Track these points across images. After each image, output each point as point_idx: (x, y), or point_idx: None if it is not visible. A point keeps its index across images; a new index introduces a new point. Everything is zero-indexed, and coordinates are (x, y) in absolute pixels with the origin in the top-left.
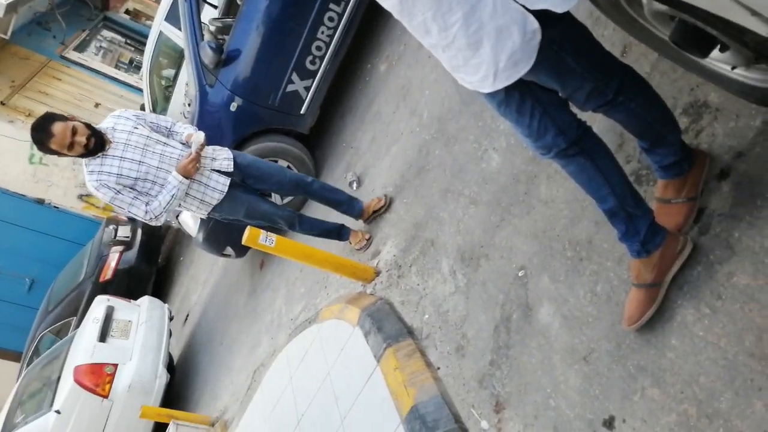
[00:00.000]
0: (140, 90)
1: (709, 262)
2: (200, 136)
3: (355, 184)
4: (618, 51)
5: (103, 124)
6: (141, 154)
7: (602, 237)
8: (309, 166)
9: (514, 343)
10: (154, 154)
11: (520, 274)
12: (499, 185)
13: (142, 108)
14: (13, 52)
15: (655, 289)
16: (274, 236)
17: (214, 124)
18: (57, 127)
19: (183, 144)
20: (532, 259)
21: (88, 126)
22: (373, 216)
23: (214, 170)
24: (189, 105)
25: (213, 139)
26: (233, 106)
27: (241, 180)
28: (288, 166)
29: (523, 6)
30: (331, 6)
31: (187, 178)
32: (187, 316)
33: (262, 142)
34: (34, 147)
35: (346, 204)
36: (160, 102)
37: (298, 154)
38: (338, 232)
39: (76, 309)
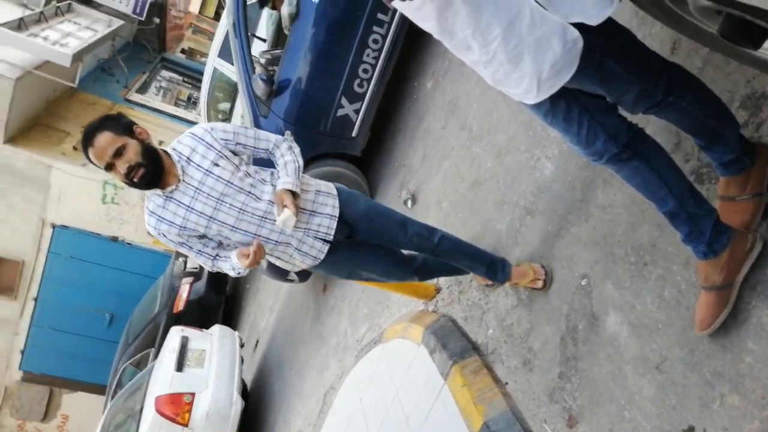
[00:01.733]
0: None
1: None
2: (290, 221)
3: (410, 202)
4: (667, 48)
5: (179, 147)
6: (214, 206)
7: (666, 240)
8: (363, 188)
9: (583, 354)
10: (232, 209)
11: (583, 283)
12: (555, 193)
13: None
14: (81, 99)
15: (727, 291)
16: None
17: None
18: (101, 139)
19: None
20: (594, 266)
21: (148, 151)
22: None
23: (309, 231)
24: None
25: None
26: (287, 135)
27: (347, 236)
28: None
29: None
30: (375, 29)
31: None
32: (257, 342)
33: (316, 168)
34: (106, 187)
35: (488, 263)
36: None
37: (352, 177)
38: (492, 265)
39: (154, 340)
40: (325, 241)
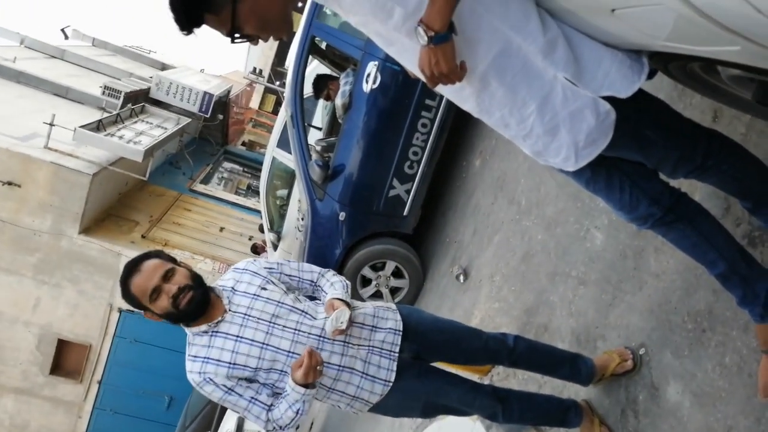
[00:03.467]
0: (258, 211)
1: None
2: (343, 315)
3: (462, 277)
4: (708, 117)
5: (222, 281)
6: (266, 330)
7: (722, 305)
8: (416, 264)
9: (645, 427)
10: (285, 331)
11: (641, 353)
12: (607, 263)
13: (261, 229)
14: (150, 191)
15: None
16: None
17: (326, 235)
18: (150, 264)
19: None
20: (650, 335)
21: (196, 276)
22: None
23: (373, 349)
24: (302, 219)
25: (326, 248)
26: (342, 216)
27: (415, 355)
28: (396, 267)
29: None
30: (423, 113)
31: (310, 386)
32: (312, 424)
33: (370, 246)
34: None
35: (569, 364)
36: (276, 220)
37: (404, 254)
38: (563, 416)
39: (210, 422)
40: (392, 358)
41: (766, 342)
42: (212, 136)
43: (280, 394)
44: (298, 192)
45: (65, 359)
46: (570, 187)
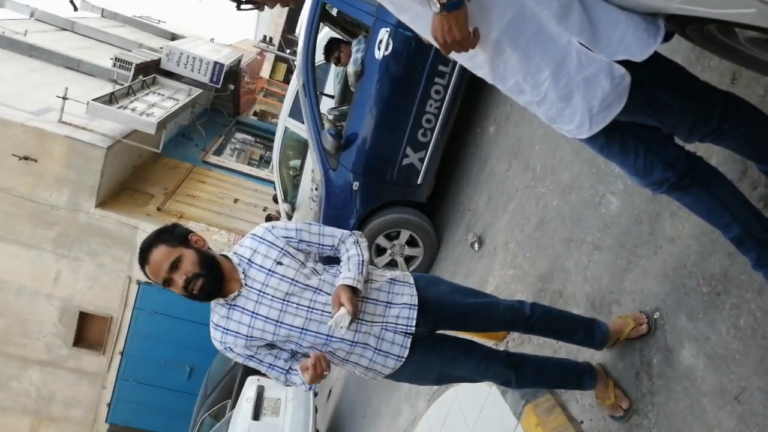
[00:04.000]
0: (272, 182)
1: None
2: (343, 320)
3: (476, 245)
4: (727, 79)
5: (240, 249)
6: (280, 308)
7: (737, 268)
8: (430, 233)
9: (658, 389)
10: (299, 309)
11: (655, 317)
12: (622, 228)
13: (275, 200)
14: (164, 164)
15: None
16: None
17: (340, 205)
18: (156, 254)
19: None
20: (665, 299)
21: (205, 260)
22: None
23: (387, 325)
24: (316, 189)
25: (340, 218)
26: (355, 185)
27: (431, 329)
28: (411, 236)
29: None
30: (436, 80)
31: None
32: (330, 391)
33: (384, 215)
34: None
35: (584, 329)
36: (290, 190)
37: (419, 223)
38: (578, 379)
39: (231, 391)
40: (406, 334)
41: None
42: (224, 106)
43: (299, 353)
44: (312, 162)
45: (87, 331)
46: (585, 153)
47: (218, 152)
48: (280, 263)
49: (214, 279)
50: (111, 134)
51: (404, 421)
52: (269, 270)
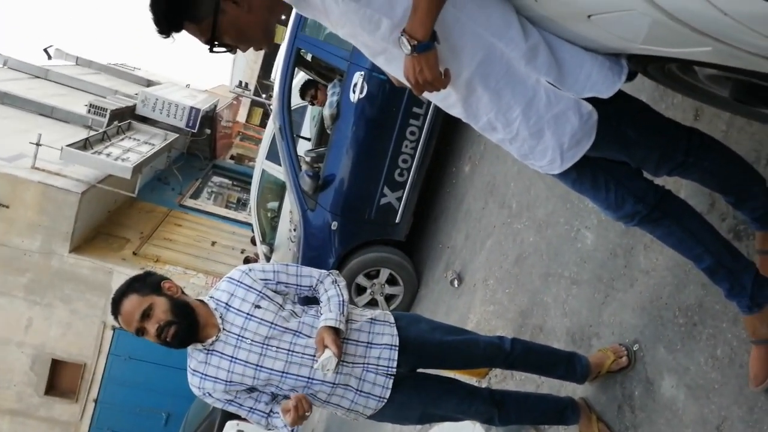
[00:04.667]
0: (249, 224)
1: None
2: (330, 363)
3: (456, 282)
4: (690, 116)
5: (217, 294)
6: (260, 352)
7: (712, 299)
8: (410, 271)
9: (641, 421)
10: (279, 352)
11: (635, 349)
12: (598, 262)
13: (253, 242)
14: (139, 208)
15: None
16: None
17: (319, 245)
18: (128, 304)
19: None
20: (643, 331)
21: (177, 306)
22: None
23: (368, 366)
24: (294, 230)
25: (319, 258)
26: (334, 225)
27: (412, 368)
28: (390, 274)
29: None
30: (411, 121)
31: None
32: (313, 431)
33: (363, 254)
34: None
35: (564, 363)
36: (268, 232)
37: (398, 261)
38: (560, 414)
39: None
40: (388, 375)
41: (755, 332)
42: (200, 150)
43: (279, 395)
44: (290, 203)
45: (60, 379)
46: (559, 189)
47: (195, 196)
48: (258, 306)
49: (188, 326)
50: (85, 179)
51: None
52: (247, 314)
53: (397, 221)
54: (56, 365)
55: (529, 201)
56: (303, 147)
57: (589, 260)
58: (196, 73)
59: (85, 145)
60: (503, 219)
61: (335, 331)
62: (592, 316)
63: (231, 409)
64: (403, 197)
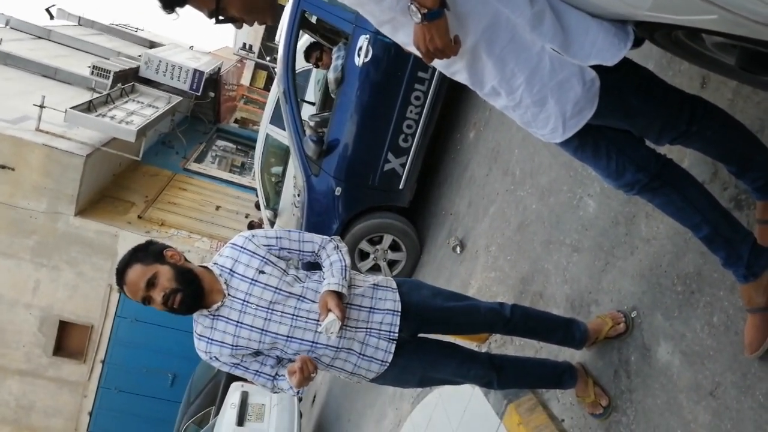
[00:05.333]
0: (253, 189)
1: None
2: (333, 326)
3: (458, 249)
4: (697, 84)
5: (221, 260)
6: (265, 317)
7: (710, 267)
8: (413, 237)
9: (636, 386)
10: (284, 317)
11: (632, 315)
12: (599, 230)
13: (257, 206)
14: (144, 171)
15: None
16: None
17: (323, 210)
18: (132, 274)
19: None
20: (642, 298)
21: (181, 274)
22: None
23: (371, 331)
24: (298, 195)
25: (322, 224)
26: (337, 191)
27: (414, 333)
28: (393, 240)
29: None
30: (416, 86)
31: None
32: (315, 396)
33: (366, 221)
34: None
35: (563, 329)
36: (272, 197)
37: (401, 227)
38: (558, 378)
39: (215, 398)
40: (390, 339)
41: (750, 301)
42: (204, 114)
43: (284, 359)
44: (294, 168)
45: (68, 340)
46: (563, 157)
47: (199, 160)
48: (262, 272)
49: (194, 292)
50: (90, 142)
51: (389, 424)
52: (252, 279)
53: (400, 187)
54: (64, 326)
55: (532, 168)
56: (307, 111)
57: (590, 228)
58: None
59: (89, 107)
60: (506, 186)
61: (338, 295)
62: (591, 283)
63: (237, 372)
64: (407, 163)
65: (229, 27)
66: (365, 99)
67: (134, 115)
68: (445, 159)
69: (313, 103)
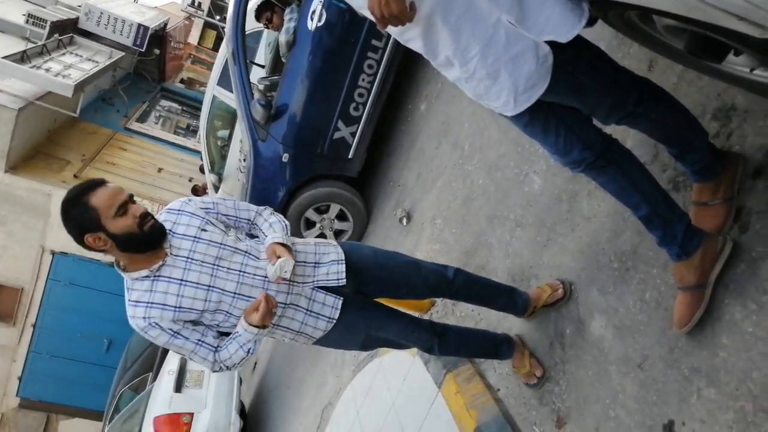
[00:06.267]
0: (198, 152)
1: (751, 259)
2: (287, 264)
3: (405, 220)
4: (644, 66)
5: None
6: (211, 273)
7: (646, 246)
8: (360, 207)
9: (570, 357)
10: (230, 273)
11: (570, 283)
12: (543, 206)
13: (201, 170)
14: (81, 128)
15: (701, 291)
16: None
17: (269, 177)
18: (113, 185)
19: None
20: (580, 274)
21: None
22: (544, 310)
23: (318, 287)
24: (244, 160)
25: (268, 191)
26: (285, 158)
27: (356, 290)
28: (341, 210)
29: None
30: (369, 54)
31: (263, 327)
32: (255, 363)
33: (314, 189)
34: None
35: (506, 296)
36: (218, 161)
37: (349, 197)
38: (496, 349)
39: (152, 364)
40: (336, 294)
41: (682, 279)
42: (148, 72)
43: (226, 334)
44: (240, 132)
45: None
46: (512, 132)
47: (142, 119)
48: (204, 230)
49: (161, 228)
50: (23, 95)
51: (329, 391)
52: (194, 236)
53: (350, 156)
54: None
55: (482, 143)
56: (257, 74)
57: (534, 204)
58: None
59: (22, 57)
60: (455, 160)
61: (284, 246)
62: (533, 257)
63: (177, 343)
64: (357, 132)
65: None
66: (317, 64)
67: (72, 68)
68: (396, 130)
69: (263, 66)
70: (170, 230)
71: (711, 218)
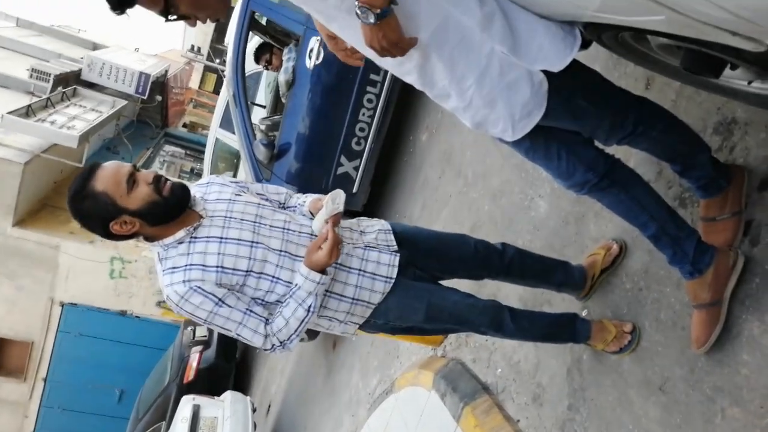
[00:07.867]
0: None
1: (765, 272)
2: (339, 195)
3: None
4: (642, 85)
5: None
6: (253, 230)
7: (657, 264)
8: None
9: (589, 384)
10: (274, 230)
11: (584, 314)
12: (550, 230)
13: None
14: None
15: (717, 308)
16: None
17: None
18: (111, 162)
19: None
20: (592, 297)
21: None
22: (602, 277)
23: (369, 246)
24: None
25: None
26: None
27: (408, 261)
28: None
29: None
30: (368, 89)
31: (324, 273)
32: (269, 406)
33: None
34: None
35: (562, 268)
36: None
37: None
38: (571, 329)
39: (165, 412)
40: (390, 252)
41: (696, 297)
42: (151, 118)
43: (272, 306)
44: (244, 173)
45: (6, 358)
46: (514, 158)
47: (146, 165)
48: (239, 194)
49: (183, 188)
50: (29, 149)
51: (345, 431)
52: (229, 199)
53: (354, 191)
54: (2, 344)
55: (484, 170)
56: (258, 114)
57: (541, 228)
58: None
59: (27, 112)
60: (459, 188)
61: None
62: None
63: (222, 312)
64: (360, 166)
65: (176, 28)
66: (317, 102)
67: (76, 119)
68: (399, 162)
69: (263, 106)
70: (202, 197)
71: (720, 233)
